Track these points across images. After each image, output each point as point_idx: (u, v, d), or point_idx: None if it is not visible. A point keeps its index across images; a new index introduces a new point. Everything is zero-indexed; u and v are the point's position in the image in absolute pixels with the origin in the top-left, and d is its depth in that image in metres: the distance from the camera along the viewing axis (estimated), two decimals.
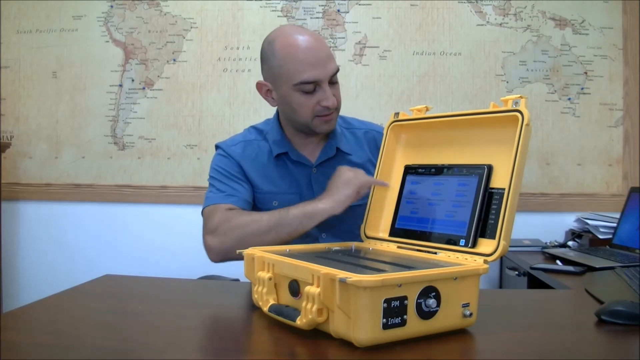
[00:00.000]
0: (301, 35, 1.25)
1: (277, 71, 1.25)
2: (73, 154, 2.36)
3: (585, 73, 2.23)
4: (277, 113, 1.41)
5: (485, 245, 0.91)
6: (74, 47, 2.35)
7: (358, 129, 1.45)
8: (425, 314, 0.79)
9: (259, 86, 1.33)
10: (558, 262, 1.61)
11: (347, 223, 1.33)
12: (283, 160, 1.36)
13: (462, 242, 0.94)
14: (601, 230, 1.92)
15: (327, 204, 1.17)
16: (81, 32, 2.34)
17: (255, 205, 1.36)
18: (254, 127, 1.44)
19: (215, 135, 2.29)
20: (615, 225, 1.85)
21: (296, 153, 1.36)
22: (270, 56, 1.27)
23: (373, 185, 1.17)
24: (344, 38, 2.28)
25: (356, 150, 1.41)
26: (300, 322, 0.81)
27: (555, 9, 2.23)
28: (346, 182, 1.18)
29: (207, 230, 1.23)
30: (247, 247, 1.03)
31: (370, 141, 1.44)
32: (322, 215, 1.17)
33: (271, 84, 1.29)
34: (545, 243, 2.01)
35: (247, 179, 1.35)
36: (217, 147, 1.41)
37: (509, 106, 0.92)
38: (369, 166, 1.40)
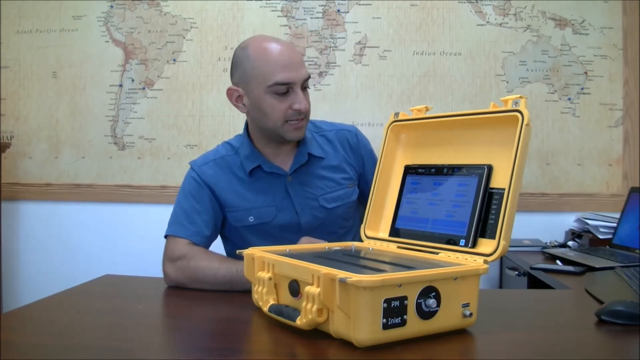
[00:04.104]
0: (274, 41, 1.28)
1: (250, 74, 1.26)
2: (73, 154, 2.36)
3: (585, 73, 2.23)
4: (246, 126, 1.40)
5: (485, 245, 0.91)
6: (74, 47, 2.34)
7: (328, 131, 1.46)
8: (425, 314, 0.79)
9: (229, 92, 1.32)
10: (558, 262, 1.61)
11: (328, 225, 1.37)
12: (257, 174, 1.35)
13: (462, 242, 0.94)
14: (601, 230, 1.92)
15: None
16: (81, 32, 2.34)
17: (231, 224, 1.36)
18: (227, 143, 1.44)
19: (216, 135, 2.29)
20: (615, 225, 1.85)
21: (269, 164, 1.35)
22: (243, 60, 1.28)
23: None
24: (344, 38, 2.28)
25: (329, 152, 1.42)
26: (300, 322, 0.81)
27: (555, 9, 2.23)
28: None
29: (167, 257, 1.26)
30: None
31: (343, 141, 1.44)
32: None
33: (243, 88, 1.29)
34: (545, 243, 2.01)
35: (216, 205, 1.34)
36: (190, 165, 1.40)
37: (509, 106, 0.92)
38: (341, 164, 1.41)
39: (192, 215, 1.31)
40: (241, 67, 1.28)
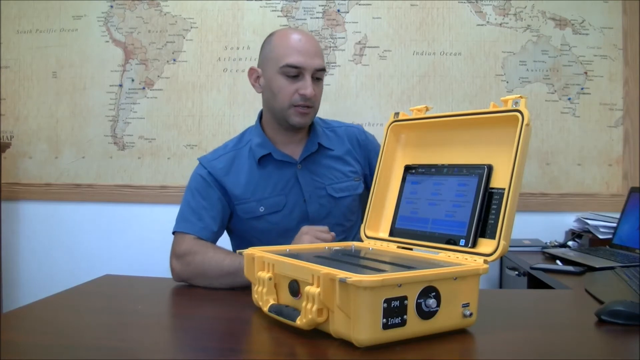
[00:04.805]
0: (297, 32, 1.36)
1: (268, 55, 1.35)
2: (73, 154, 2.36)
3: (585, 73, 2.23)
4: (260, 116, 1.45)
5: (485, 245, 0.91)
6: (74, 47, 2.34)
7: (338, 127, 1.52)
8: (425, 314, 0.79)
9: (250, 72, 1.40)
10: (558, 262, 1.61)
11: (335, 215, 1.41)
12: (266, 163, 1.39)
13: (462, 242, 0.94)
14: (601, 230, 1.92)
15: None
16: (81, 32, 2.34)
17: (240, 216, 1.38)
18: (235, 137, 1.48)
19: (216, 135, 2.29)
20: (615, 225, 1.85)
21: (279, 153, 1.39)
22: (266, 44, 1.38)
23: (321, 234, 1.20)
24: (344, 38, 2.28)
25: (337, 145, 1.47)
26: (300, 322, 0.81)
27: (555, 9, 2.23)
28: (301, 235, 1.21)
29: (174, 254, 1.28)
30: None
31: (351, 137, 1.50)
32: None
33: (261, 69, 1.38)
34: (545, 243, 2.01)
35: (224, 201, 1.36)
36: (199, 161, 1.42)
37: (509, 106, 0.92)
38: (348, 157, 1.46)
39: (199, 212, 1.34)
40: (264, 50, 1.38)
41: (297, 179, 1.38)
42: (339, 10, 2.27)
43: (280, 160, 1.38)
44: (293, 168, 1.39)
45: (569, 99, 2.23)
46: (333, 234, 1.23)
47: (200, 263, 1.21)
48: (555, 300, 1.16)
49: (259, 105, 2.25)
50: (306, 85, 1.30)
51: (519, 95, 0.91)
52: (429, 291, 0.79)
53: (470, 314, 0.83)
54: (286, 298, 0.88)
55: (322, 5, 2.27)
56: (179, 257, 1.25)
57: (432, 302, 0.78)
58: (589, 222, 1.99)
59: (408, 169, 1.11)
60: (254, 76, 1.40)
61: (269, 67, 1.34)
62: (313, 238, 1.19)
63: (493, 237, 0.89)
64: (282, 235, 1.32)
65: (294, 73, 1.31)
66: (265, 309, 0.89)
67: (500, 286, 2.09)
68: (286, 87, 1.32)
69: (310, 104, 1.33)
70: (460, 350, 0.80)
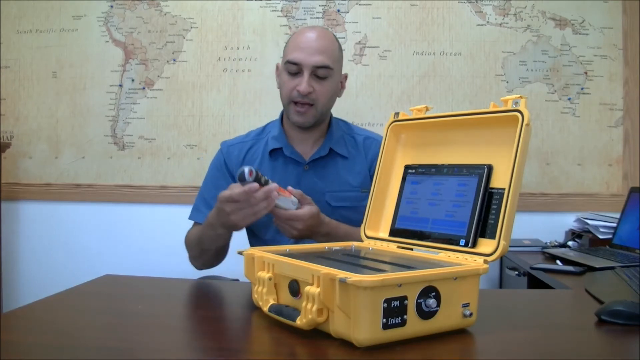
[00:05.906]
0: (312, 29, 1.39)
1: (283, 52, 1.40)
2: (73, 154, 2.36)
3: (585, 73, 2.23)
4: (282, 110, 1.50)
5: (485, 245, 0.91)
6: (74, 47, 2.34)
7: (358, 134, 1.53)
8: (425, 314, 0.79)
9: (277, 67, 1.47)
10: (558, 262, 1.61)
11: None
12: (277, 157, 1.42)
13: (462, 242, 0.94)
14: (601, 230, 1.92)
15: (227, 228, 1.22)
16: (81, 32, 2.34)
17: None
18: (260, 127, 1.53)
19: (216, 135, 2.29)
20: (615, 225, 1.85)
21: (290, 149, 1.41)
22: (287, 41, 1.44)
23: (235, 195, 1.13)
24: (344, 38, 2.27)
25: (354, 155, 1.47)
26: (300, 322, 0.81)
27: (555, 9, 2.23)
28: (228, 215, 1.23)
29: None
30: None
31: (367, 148, 1.50)
32: (229, 235, 1.29)
33: (280, 65, 1.43)
34: (545, 243, 2.01)
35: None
36: (220, 145, 1.51)
37: (509, 106, 0.92)
38: (359, 167, 1.46)
39: (210, 202, 1.41)
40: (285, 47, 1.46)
41: (300, 180, 1.39)
42: (339, 10, 2.27)
43: (289, 157, 1.41)
44: (300, 168, 1.41)
45: (569, 99, 2.23)
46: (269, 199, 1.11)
47: (188, 248, 1.38)
48: (555, 300, 1.16)
49: (259, 105, 2.28)
50: (302, 82, 1.32)
51: (519, 95, 0.91)
52: (429, 291, 0.79)
53: (470, 314, 0.83)
54: (286, 298, 0.88)
55: (322, 5, 2.27)
56: (185, 245, 1.40)
57: (432, 302, 0.78)
58: (589, 222, 1.99)
59: (408, 168, 1.11)
60: (278, 72, 1.46)
61: (281, 63, 1.40)
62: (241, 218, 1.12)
63: (493, 237, 0.89)
64: (279, 231, 1.33)
65: (294, 70, 1.33)
66: (265, 309, 0.89)
67: (500, 286, 2.09)
68: (287, 83, 1.35)
69: (308, 102, 1.34)
70: (460, 350, 0.80)
